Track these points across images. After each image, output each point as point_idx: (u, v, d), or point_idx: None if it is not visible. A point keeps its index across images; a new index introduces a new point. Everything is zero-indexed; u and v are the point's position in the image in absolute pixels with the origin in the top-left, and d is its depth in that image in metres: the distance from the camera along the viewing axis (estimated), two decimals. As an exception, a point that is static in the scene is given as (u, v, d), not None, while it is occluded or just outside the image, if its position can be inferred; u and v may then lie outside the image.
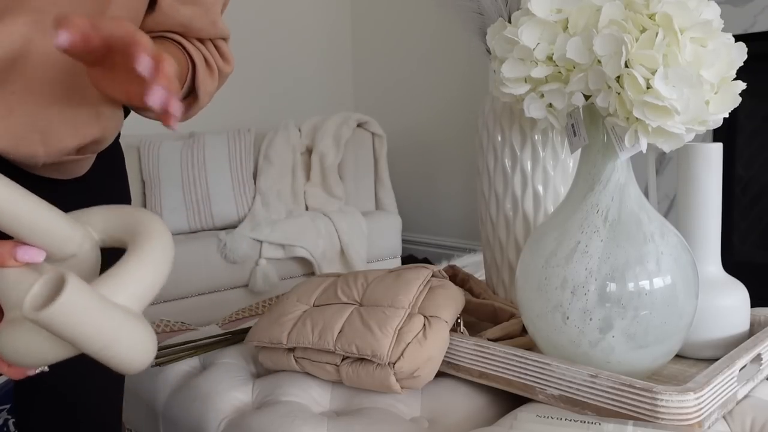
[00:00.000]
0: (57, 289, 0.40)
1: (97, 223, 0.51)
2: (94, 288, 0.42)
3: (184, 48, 0.70)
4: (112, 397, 0.74)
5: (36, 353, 0.44)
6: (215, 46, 0.73)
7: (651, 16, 0.61)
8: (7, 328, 0.44)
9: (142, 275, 0.46)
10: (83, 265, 0.50)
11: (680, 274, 0.66)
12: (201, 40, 0.71)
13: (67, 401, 0.70)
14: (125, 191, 0.77)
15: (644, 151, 0.64)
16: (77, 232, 0.48)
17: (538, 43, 0.66)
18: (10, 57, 0.55)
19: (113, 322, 0.42)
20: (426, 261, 2.82)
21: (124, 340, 0.43)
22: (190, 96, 0.69)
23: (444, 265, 1.04)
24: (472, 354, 0.73)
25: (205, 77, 0.70)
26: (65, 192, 0.65)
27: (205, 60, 0.71)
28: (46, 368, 0.47)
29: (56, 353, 0.44)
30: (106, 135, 0.67)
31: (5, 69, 0.55)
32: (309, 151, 2.42)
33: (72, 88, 0.60)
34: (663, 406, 0.58)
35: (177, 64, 0.65)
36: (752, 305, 0.79)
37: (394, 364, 0.70)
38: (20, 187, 0.45)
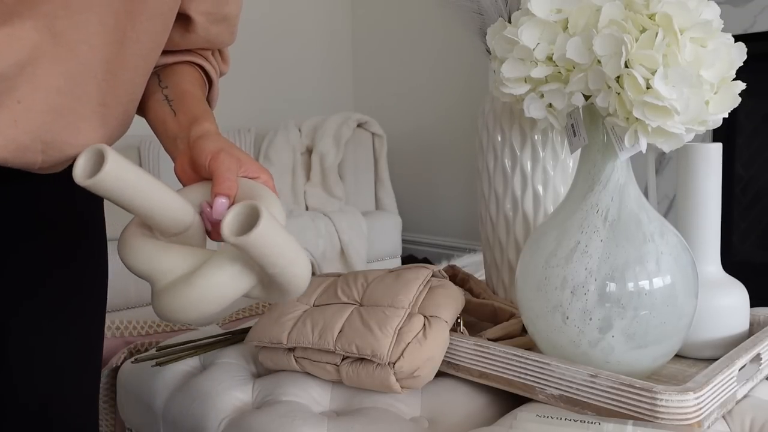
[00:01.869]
0: (248, 219, 0.48)
1: (197, 198, 0.58)
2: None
3: (203, 69, 0.73)
4: (90, 411, 0.75)
5: (217, 297, 0.51)
6: (220, 50, 0.75)
7: (651, 16, 0.61)
8: (175, 287, 0.51)
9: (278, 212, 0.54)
10: (196, 235, 0.57)
11: (680, 274, 0.66)
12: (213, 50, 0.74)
13: (47, 416, 0.69)
14: None
15: (644, 151, 0.64)
16: (189, 207, 0.56)
17: (538, 43, 0.66)
18: (18, 64, 0.53)
19: (294, 243, 0.50)
20: (426, 261, 2.82)
21: (302, 259, 0.51)
22: None
23: (444, 265, 1.04)
24: (472, 354, 0.73)
25: (216, 92, 0.75)
26: (40, 179, 0.63)
27: (218, 73, 0.75)
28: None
29: (237, 287, 0.51)
30: (109, 144, 0.67)
31: (12, 76, 0.53)
32: (309, 151, 2.42)
33: (79, 97, 0.58)
34: (663, 406, 0.58)
35: (198, 89, 0.69)
36: (752, 305, 0.79)
37: (394, 363, 0.70)
38: (141, 169, 0.52)
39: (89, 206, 0.70)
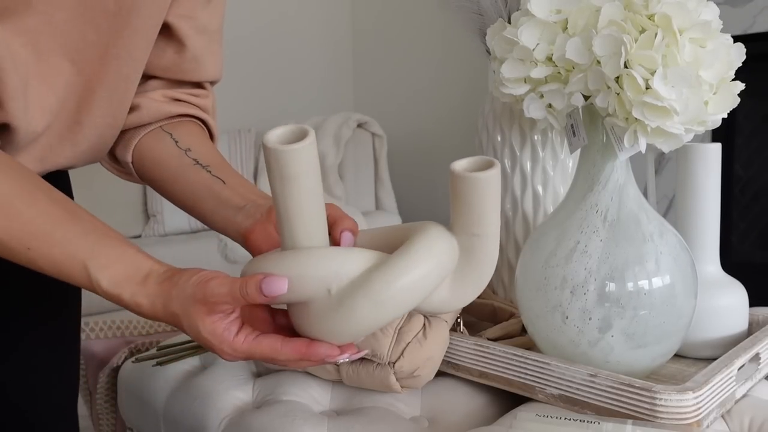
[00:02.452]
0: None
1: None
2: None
3: (206, 124, 0.73)
4: (68, 415, 0.75)
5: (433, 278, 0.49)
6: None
7: (650, 17, 0.61)
8: (344, 302, 0.48)
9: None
10: None
11: (679, 273, 0.66)
12: (207, 93, 0.73)
13: (28, 421, 0.69)
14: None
15: (643, 152, 0.64)
16: (326, 230, 0.53)
17: (538, 44, 0.67)
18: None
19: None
20: (426, 261, 2.81)
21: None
22: None
23: (444, 264, 1.04)
24: (472, 353, 0.73)
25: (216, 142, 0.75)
26: None
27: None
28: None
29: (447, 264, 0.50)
30: (87, 162, 0.66)
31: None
32: (309, 151, 2.42)
33: (57, 114, 0.58)
34: (662, 406, 0.58)
35: (210, 153, 0.68)
36: (751, 305, 0.79)
37: (394, 363, 0.71)
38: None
39: None
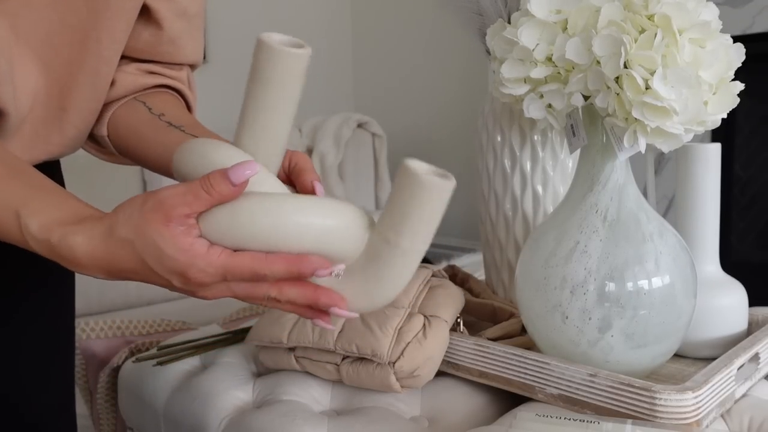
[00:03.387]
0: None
1: None
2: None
3: (183, 95, 0.71)
4: (65, 414, 0.75)
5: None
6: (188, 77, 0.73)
7: (650, 17, 0.61)
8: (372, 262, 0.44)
9: None
10: None
11: (679, 273, 0.66)
12: (182, 66, 0.71)
13: (25, 421, 0.69)
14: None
15: (643, 152, 0.64)
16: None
17: (538, 44, 0.67)
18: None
19: None
20: (426, 261, 2.81)
21: None
22: None
23: (444, 264, 1.05)
24: (471, 353, 0.73)
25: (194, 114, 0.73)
26: None
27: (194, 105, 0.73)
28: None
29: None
30: (76, 148, 0.65)
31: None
32: (309, 151, 2.43)
33: (42, 101, 0.57)
34: (661, 405, 0.59)
35: (184, 116, 0.65)
36: (750, 305, 0.79)
37: (394, 363, 0.71)
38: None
39: None
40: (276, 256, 0.42)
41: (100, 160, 0.73)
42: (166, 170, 0.61)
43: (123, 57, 0.66)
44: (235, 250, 0.42)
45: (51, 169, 0.70)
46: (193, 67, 0.72)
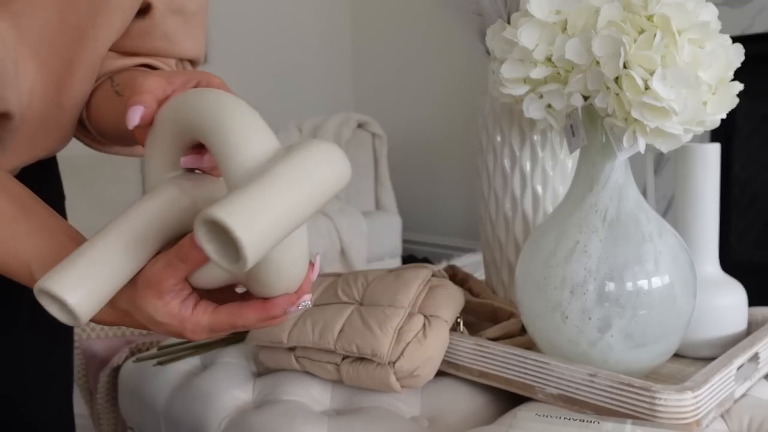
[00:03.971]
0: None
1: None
2: None
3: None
4: (64, 415, 0.75)
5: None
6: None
7: (649, 18, 0.61)
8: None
9: None
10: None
11: (678, 273, 0.67)
12: (180, 62, 0.70)
13: (24, 421, 0.69)
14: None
15: (642, 152, 0.64)
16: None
17: (537, 44, 0.67)
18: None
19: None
20: (426, 261, 2.82)
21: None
22: None
23: (444, 264, 1.05)
24: (471, 353, 0.73)
25: None
26: None
27: None
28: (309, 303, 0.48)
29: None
30: (59, 149, 0.65)
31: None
32: (309, 152, 2.42)
33: (43, 99, 0.57)
34: (661, 405, 0.59)
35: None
36: (750, 304, 0.79)
37: (394, 363, 0.71)
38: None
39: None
40: (248, 306, 0.46)
41: (96, 151, 0.71)
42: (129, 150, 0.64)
43: (121, 53, 0.65)
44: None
45: (48, 165, 0.70)
46: (193, 63, 0.72)
